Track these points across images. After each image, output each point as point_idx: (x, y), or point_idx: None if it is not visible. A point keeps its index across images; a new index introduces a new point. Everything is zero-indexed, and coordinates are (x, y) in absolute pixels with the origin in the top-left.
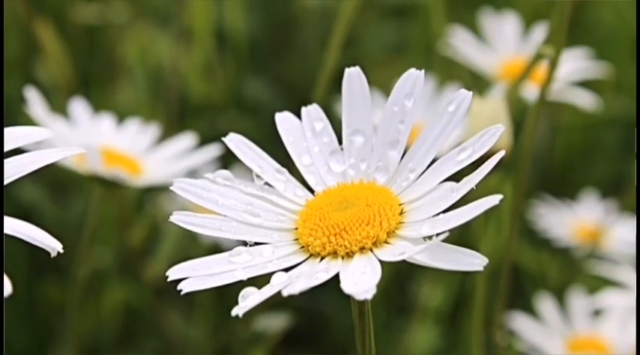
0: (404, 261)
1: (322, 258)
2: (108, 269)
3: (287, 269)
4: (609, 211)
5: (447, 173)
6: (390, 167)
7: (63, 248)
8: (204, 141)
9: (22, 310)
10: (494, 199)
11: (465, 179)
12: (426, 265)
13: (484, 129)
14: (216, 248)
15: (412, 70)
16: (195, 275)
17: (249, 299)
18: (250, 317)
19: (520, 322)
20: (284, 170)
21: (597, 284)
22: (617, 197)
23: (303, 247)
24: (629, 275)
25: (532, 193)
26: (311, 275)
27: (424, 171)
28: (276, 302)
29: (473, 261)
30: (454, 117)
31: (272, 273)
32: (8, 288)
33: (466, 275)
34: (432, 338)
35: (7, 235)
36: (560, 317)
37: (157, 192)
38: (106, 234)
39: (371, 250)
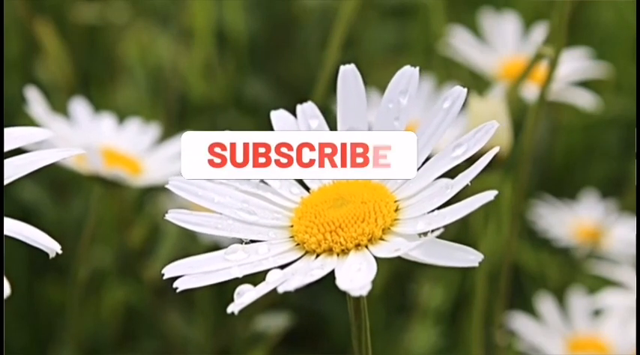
0: (402, 260)
1: (318, 255)
2: (108, 269)
3: (282, 267)
4: (609, 211)
5: (442, 170)
6: None
7: (63, 248)
8: None
9: (22, 310)
10: (489, 195)
11: (460, 175)
12: (421, 261)
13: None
14: (216, 247)
15: (407, 67)
16: (190, 273)
17: (244, 296)
18: (250, 317)
19: (520, 322)
20: None
21: (597, 284)
22: (617, 197)
23: (298, 244)
24: (629, 275)
25: (532, 193)
26: (306, 273)
27: (419, 168)
28: (276, 302)
29: (468, 257)
30: (449, 114)
31: (267, 271)
32: (7, 290)
33: (466, 275)
34: (432, 338)
35: (6, 236)
36: (560, 317)
37: (157, 192)
38: (106, 234)
39: (366, 247)
